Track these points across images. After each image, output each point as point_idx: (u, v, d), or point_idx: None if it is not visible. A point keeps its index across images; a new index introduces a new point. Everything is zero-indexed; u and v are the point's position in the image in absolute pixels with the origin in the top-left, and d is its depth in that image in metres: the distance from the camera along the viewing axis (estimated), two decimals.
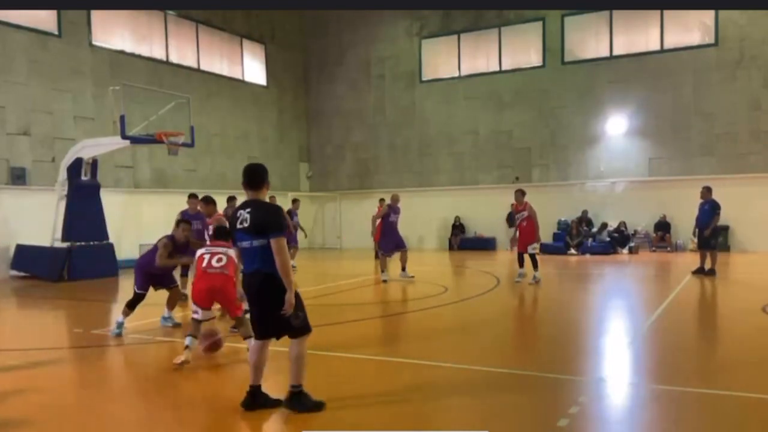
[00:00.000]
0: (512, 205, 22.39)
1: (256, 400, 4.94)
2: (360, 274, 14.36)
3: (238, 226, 4.82)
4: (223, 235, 7.35)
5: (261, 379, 4.98)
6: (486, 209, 23.21)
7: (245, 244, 4.82)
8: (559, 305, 10.73)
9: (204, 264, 6.91)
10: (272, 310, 4.75)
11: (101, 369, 6.86)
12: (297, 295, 4.83)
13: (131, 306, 8.16)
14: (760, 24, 19.56)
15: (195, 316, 6.78)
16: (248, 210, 4.81)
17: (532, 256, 12.52)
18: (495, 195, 22.66)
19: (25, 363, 6.80)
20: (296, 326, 4.81)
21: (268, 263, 4.72)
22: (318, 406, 4.86)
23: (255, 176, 5.05)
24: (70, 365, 7.06)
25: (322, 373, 6.23)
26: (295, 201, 17.52)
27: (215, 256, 6.95)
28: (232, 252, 6.80)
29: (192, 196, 11.14)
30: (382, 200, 15.59)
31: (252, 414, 5.04)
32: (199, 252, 7.11)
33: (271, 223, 4.74)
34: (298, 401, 4.85)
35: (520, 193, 13.09)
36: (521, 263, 12.83)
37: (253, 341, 5.03)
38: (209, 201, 9.96)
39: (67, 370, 6.77)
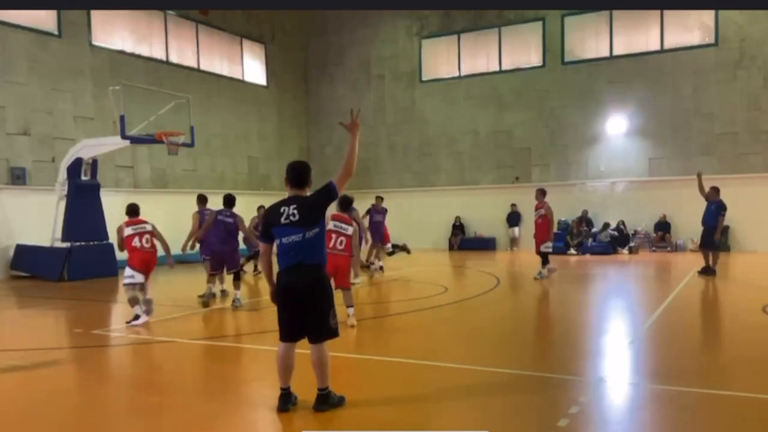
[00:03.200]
0: (512, 205, 22.61)
1: (290, 402, 4.92)
2: (360, 274, 14.35)
3: (283, 221, 4.85)
4: (345, 207, 8.99)
5: (289, 381, 4.95)
6: (486, 209, 23.22)
7: (294, 237, 4.81)
8: (559, 305, 10.73)
9: (330, 245, 7.86)
10: (318, 305, 4.81)
11: (101, 369, 6.85)
12: (331, 297, 4.93)
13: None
14: (760, 24, 19.56)
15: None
16: (294, 206, 4.89)
17: (545, 254, 13.16)
18: (495, 195, 22.68)
19: (25, 363, 6.79)
20: (333, 326, 4.87)
21: (319, 254, 4.88)
22: (341, 401, 4.93)
23: (303, 174, 5.18)
24: (71, 365, 7.06)
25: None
26: (379, 198, 16.53)
27: (339, 238, 8.15)
28: (350, 231, 8.28)
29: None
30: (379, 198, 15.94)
31: (253, 414, 5.04)
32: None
33: (319, 215, 4.96)
34: (326, 401, 4.88)
35: (540, 192, 13.62)
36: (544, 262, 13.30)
37: (281, 344, 4.95)
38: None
39: (67, 371, 6.76)
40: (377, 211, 15.16)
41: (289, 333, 4.91)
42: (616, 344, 7.53)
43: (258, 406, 5.27)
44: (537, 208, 13.50)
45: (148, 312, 8.83)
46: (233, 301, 10.27)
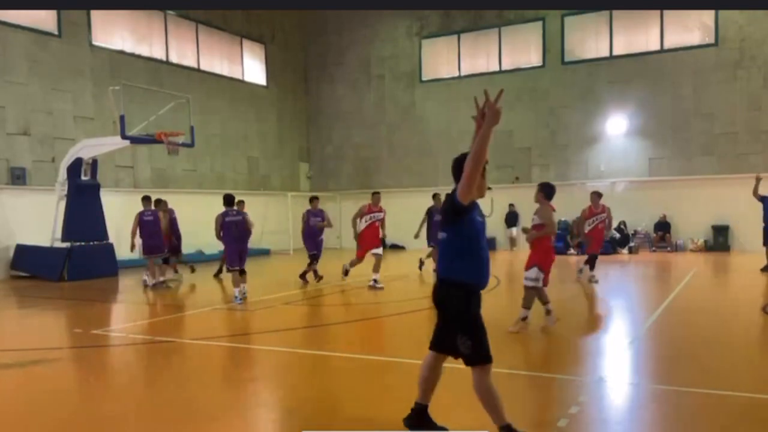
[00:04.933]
0: (510, 205, 22.55)
1: (421, 422, 4.34)
2: (360, 275, 14.34)
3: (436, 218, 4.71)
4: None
5: (429, 398, 4.36)
6: (485, 209, 23.17)
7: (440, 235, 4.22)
8: (559, 305, 10.71)
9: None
10: (446, 318, 4.19)
11: (101, 369, 6.85)
12: (470, 318, 4.08)
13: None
14: (760, 24, 19.56)
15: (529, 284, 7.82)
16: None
17: (596, 257, 12.82)
18: (495, 195, 22.56)
19: (25, 363, 6.80)
20: (464, 352, 4.06)
21: (445, 261, 4.15)
22: None
23: (453, 167, 4.28)
24: (70, 365, 7.06)
25: (322, 374, 6.23)
26: (435, 196, 16.15)
27: None
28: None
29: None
30: (435, 195, 14.19)
31: (253, 414, 5.03)
32: None
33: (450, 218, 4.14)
34: None
35: (597, 195, 12.75)
36: (593, 265, 12.84)
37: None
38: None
39: (66, 371, 6.76)
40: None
41: (434, 340, 4.31)
42: (616, 344, 7.53)
43: (258, 406, 5.27)
44: (595, 214, 12.62)
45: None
46: (236, 297, 10.53)
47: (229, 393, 5.61)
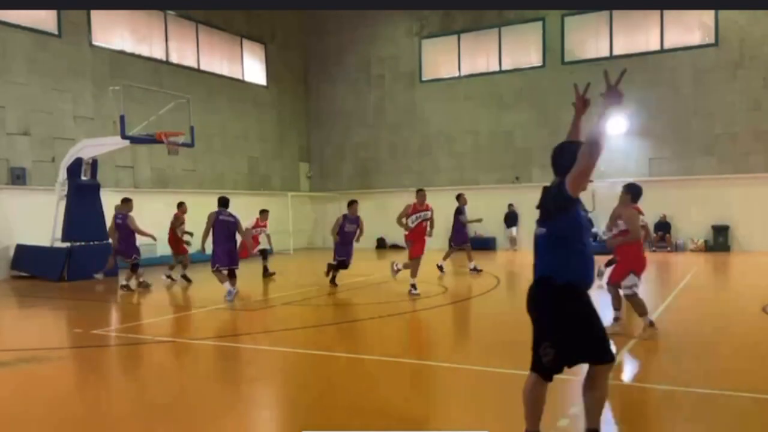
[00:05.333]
0: (509, 205, 22.58)
1: None
2: (360, 275, 14.35)
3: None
4: None
5: (539, 422, 3.99)
6: (486, 209, 23.15)
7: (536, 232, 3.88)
8: None
9: None
10: (539, 322, 3.81)
11: (101, 369, 6.85)
12: (564, 323, 3.70)
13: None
14: (760, 24, 19.55)
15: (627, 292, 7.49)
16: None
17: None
18: (495, 195, 22.65)
19: (25, 363, 6.80)
20: (542, 360, 3.77)
21: (545, 259, 3.81)
22: None
23: (553, 157, 4.04)
24: (70, 365, 7.05)
25: (322, 373, 6.23)
26: (459, 196, 15.62)
27: None
28: None
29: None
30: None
31: (253, 414, 5.03)
32: None
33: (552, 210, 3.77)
34: None
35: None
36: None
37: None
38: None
39: (66, 371, 6.76)
40: (351, 221, 13.18)
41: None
42: (617, 344, 7.51)
43: (259, 406, 5.27)
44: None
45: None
46: (228, 294, 10.49)
47: (230, 393, 5.61)
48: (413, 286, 11.10)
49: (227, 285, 10.64)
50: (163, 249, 18.70)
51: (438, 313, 9.63)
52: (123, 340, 7.99)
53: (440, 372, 6.12)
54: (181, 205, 14.11)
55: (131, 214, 12.77)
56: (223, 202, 10.98)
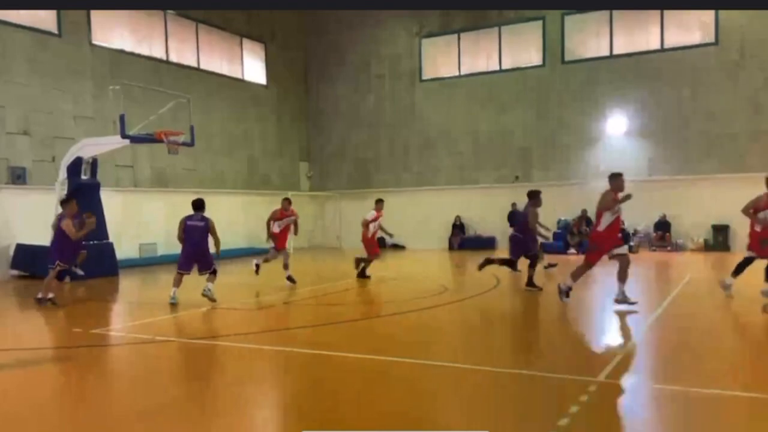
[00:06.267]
0: (513, 204, 22.58)
1: None
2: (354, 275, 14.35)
3: None
4: None
5: None
6: (486, 209, 23.21)
7: None
8: (559, 304, 10.71)
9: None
10: None
11: (100, 369, 6.85)
12: None
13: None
14: (760, 24, 19.55)
15: None
16: None
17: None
18: (495, 195, 22.66)
19: (24, 362, 6.79)
20: None
21: None
22: None
23: None
24: (69, 365, 7.05)
25: (322, 373, 6.23)
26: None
27: None
28: None
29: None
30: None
31: (253, 413, 5.02)
32: None
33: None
34: None
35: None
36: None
37: None
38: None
39: (66, 370, 6.76)
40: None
41: None
42: (617, 343, 7.52)
43: (259, 405, 5.27)
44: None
45: None
46: (205, 289, 10.35)
47: (230, 392, 5.61)
48: (256, 265, 12.99)
49: (177, 288, 10.52)
50: (162, 249, 18.77)
51: (437, 313, 9.62)
52: (122, 339, 7.99)
53: (439, 371, 6.12)
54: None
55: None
56: (197, 206, 10.70)
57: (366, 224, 13.43)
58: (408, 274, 15.28)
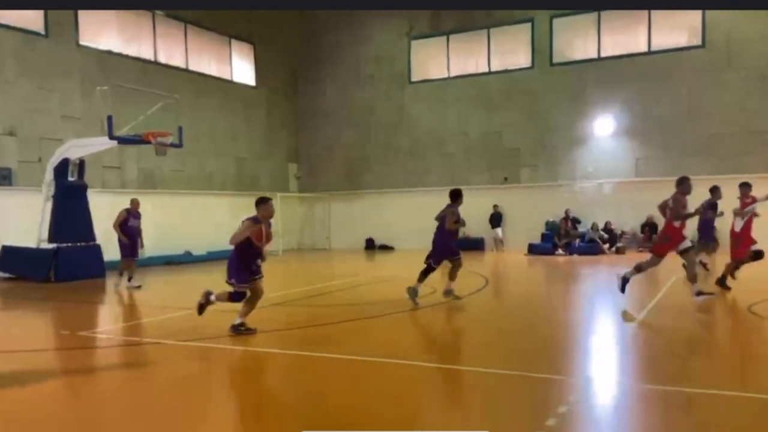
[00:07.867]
0: (494, 206, 22.65)
1: None
2: (350, 275, 14.35)
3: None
4: None
5: None
6: (475, 210, 23.15)
7: None
8: (547, 305, 10.78)
9: None
10: None
11: (88, 371, 6.79)
12: None
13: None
14: (747, 25, 19.74)
15: None
16: None
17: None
18: (484, 196, 22.72)
19: (11, 365, 6.73)
20: None
21: None
22: None
23: None
24: (57, 367, 6.99)
25: (317, 374, 6.22)
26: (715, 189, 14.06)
27: None
28: None
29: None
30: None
31: (251, 413, 5.01)
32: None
33: None
34: None
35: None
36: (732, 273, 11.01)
37: None
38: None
39: (53, 373, 6.70)
40: (135, 216, 13.45)
41: None
42: (605, 344, 7.57)
43: (258, 406, 5.25)
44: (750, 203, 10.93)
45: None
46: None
47: (229, 393, 5.59)
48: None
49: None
50: (150, 251, 18.65)
51: (426, 314, 9.63)
52: (110, 342, 7.93)
53: (429, 372, 6.13)
54: None
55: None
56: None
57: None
58: (397, 275, 15.27)
